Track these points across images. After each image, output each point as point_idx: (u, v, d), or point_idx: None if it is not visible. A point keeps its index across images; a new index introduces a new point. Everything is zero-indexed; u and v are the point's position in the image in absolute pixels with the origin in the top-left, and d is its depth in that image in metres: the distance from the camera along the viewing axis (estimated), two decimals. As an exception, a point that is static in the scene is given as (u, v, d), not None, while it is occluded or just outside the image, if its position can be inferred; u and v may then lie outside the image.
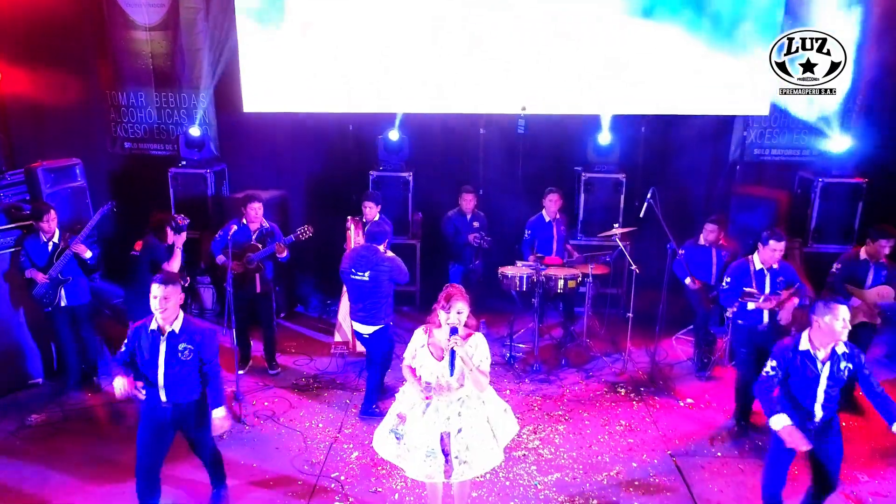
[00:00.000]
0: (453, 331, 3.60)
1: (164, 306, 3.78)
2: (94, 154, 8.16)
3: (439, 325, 3.76)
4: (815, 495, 4.01)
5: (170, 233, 5.77)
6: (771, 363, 3.85)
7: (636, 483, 4.70)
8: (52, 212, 5.50)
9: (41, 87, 7.81)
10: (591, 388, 6.10)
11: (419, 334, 3.84)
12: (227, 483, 4.48)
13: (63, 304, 5.63)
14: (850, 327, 3.67)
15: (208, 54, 8.08)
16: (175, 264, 5.72)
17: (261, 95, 7.95)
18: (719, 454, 5.08)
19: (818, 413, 3.78)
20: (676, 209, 7.18)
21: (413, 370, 3.85)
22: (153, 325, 3.87)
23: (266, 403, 5.79)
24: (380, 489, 4.62)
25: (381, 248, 5.35)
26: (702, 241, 6.50)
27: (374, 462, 4.92)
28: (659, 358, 6.41)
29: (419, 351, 3.80)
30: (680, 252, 6.25)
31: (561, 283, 6.32)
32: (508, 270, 6.45)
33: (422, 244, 7.83)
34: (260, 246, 6.10)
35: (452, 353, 3.60)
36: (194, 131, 7.82)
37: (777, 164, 8.17)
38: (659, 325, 6.12)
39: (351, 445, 5.16)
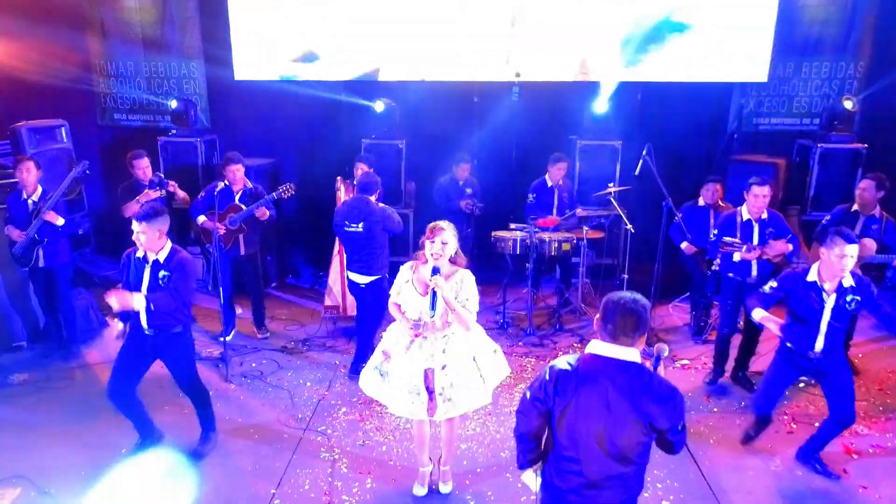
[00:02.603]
0: (435, 270, 3.51)
1: (143, 241, 3.90)
2: (83, 126, 8.06)
3: (425, 261, 3.65)
4: (832, 426, 4.05)
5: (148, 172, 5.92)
6: (772, 283, 4.01)
7: (630, 436, 4.58)
8: (30, 163, 5.34)
9: (29, 58, 7.70)
10: (586, 351, 5.97)
11: (405, 270, 3.73)
12: (215, 427, 4.43)
13: (41, 264, 5.49)
14: (853, 264, 3.73)
15: (199, 23, 7.98)
16: (128, 210, 5.77)
17: (252, 64, 7.84)
18: (715, 409, 4.97)
19: (819, 344, 3.88)
20: (673, 177, 7.06)
21: (399, 307, 3.74)
22: (139, 253, 3.98)
23: (253, 364, 5.68)
24: (367, 442, 4.50)
25: (373, 199, 5.23)
26: (700, 202, 6.40)
27: (362, 417, 4.81)
28: (655, 324, 6.30)
29: (404, 287, 3.69)
30: (677, 216, 6.14)
31: (555, 245, 6.20)
32: (502, 233, 6.33)
33: (415, 214, 7.72)
34: (243, 207, 5.98)
35: (433, 293, 3.50)
36: (173, 104, 7.69)
37: (775, 133, 8.06)
38: (654, 285, 6.00)
39: (339, 402, 5.05)
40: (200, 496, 3.92)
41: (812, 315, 3.87)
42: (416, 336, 3.61)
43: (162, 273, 3.95)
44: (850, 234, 3.75)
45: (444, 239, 3.56)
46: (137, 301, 3.85)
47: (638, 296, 2.52)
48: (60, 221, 5.35)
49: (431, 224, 3.61)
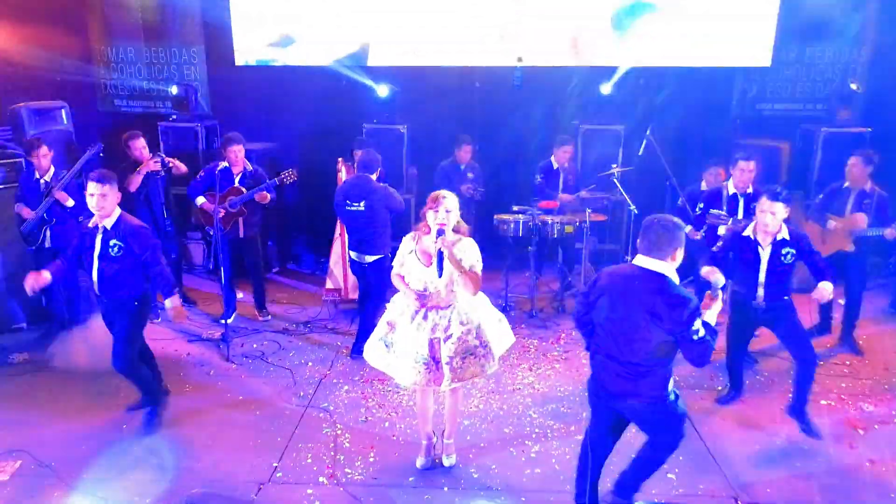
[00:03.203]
0: (440, 232, 3.47)
1: (101, 204, 3.91)
2: (84, 112, 8.01)
3: (428, 231, 3.61)
4: (801, 370, 4.23)
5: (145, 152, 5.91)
6: (718, 244, 4.46)
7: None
8: (44, 147, 5.37)
9: (28, 45, 7.63)
10: (589, 333, 5.93)
11: (407, 241, 3.70)
12: (157, 401, 4.41)
13: (47, 245, 5.46)
14: (770, 221, 4.06)
15: (199, 8, 7.94)
16: (132, 184, 5.77)
17: (253, 49, 7.81)
18: (719, 388, 4.92)
19: (760, 293, 4.24)
20: (675, 162, 7.02)
21: (402, 278, 3.70)
22: (91, 223, 4.03)
23: (255, 345, 5.65)
24: (370, 418, 4.47)
25: (374, 177, 5.19)
26: (703, 186, 6.35)
27: (364, 395, 4.78)
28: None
29: (407, 258, 3.65)
30: (681, 201, 6.11)
31: (557, 227, 6.16)
32: (504, 216, 6.29)
33: (416, 199, 7.66)
34: (243, 189, 5.95)
35: (440, 254, 3.45)
36: (174, 90, 7.66)
37: (778, 118, 8.03)
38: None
39: (341, 381, 5.01)
40: (200, 470, 3.88)
41: (751, 267, 4.23)
42: (423, 307, 3.56)
43: (112, 242, 3.97)
44: (776, 193, 4.08)
45: (448, 207, 3.54)
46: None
47: (674, 218, 3.01)
48: (70, 202, 5.32)
49: (434, 193, 3.59)
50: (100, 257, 3.99)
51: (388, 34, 7.57)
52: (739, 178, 5.15)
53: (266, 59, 7.80)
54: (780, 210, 4.05)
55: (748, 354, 5.23)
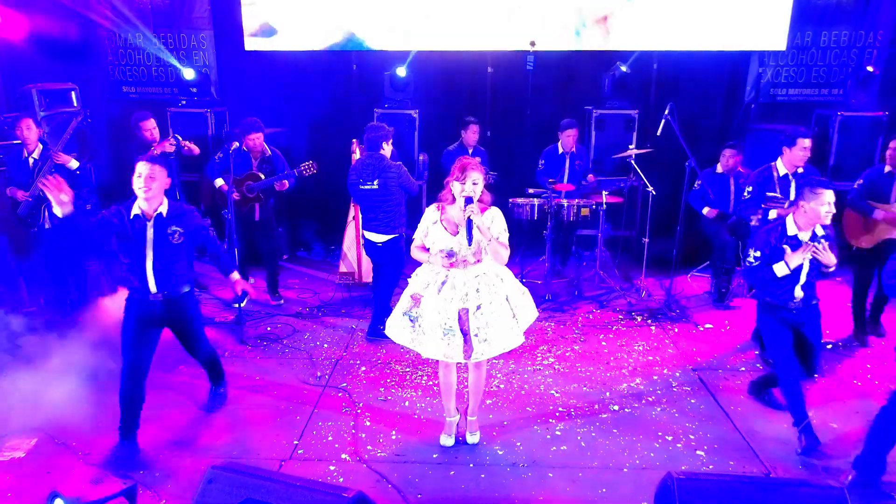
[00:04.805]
0: (468, 200, 3.38)
1: (149, 186, 3.53)
2: (91, 99, 7.92)
3: (452, 201, 3.53)
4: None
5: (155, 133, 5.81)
6: (754, 253, 3.91)
7: (658, 392, 4.48)
8: (28, 120, 5.18)
9: (35, 31, 7.57)
10: (606, 316, 5.87)
11: (431, 211, 3.61)
12: (225, 382, 4.32)
13: (47, 226, 5.30)
14: (834, 210, 3.73)
15: (208, -8, 7.87)
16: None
17: (263, 34, 7.73)
18: (743, 369, 4.85)
19: (798, 294, 3.87)
20: (690, 146, 6.96)
21: (426, 250, 3.62)
22: (135, 211, 3.60)
23: (269, 328, 5.58)
24: (390, 397, 4.40)
25: (387, 146, 5.10)
26: (719, 168, 6.29)
27: (383, 375, 4.71)
28: (674, 292, 6.18)
29: (431, 228, 3.57)
30: (697, 183, 6.04)
31: (574, 210, 6.09)
32: (520, 200, 6.22)
33: (428, 186, 7.59)
34: (262, 176, 5.88)
35: (469, 223, 3.37)
36: (188, 74, 7.58)
37: (794, 103, 7.94)
38: (676, 249, 5.89)
39: (358, 362, 4.94)
40: (220, 447, 3.81)
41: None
42: (452, 266, 3.47)
43: (172, 229, 3.61)
44: (825, 183, 3.76)
45: (475, 179, 3.45)
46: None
47: None
48: (74, 164, 5.17)
49: (461, 162, 3.48)
50: (157, 249, 3.60)
51: (400, 17, 7.49)
52: (800, 157, 4.85)
53: (274, 46, 7.72)
54: (834, 198, 3.71)
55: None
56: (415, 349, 3.62)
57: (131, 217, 3.60)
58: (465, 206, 3.35)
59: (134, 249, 3.61)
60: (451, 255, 3.48)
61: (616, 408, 4.26)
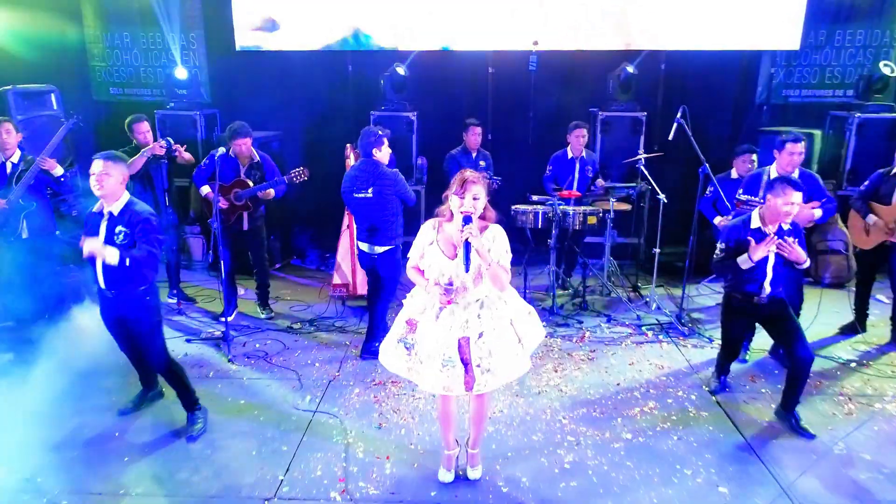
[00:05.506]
0: (466, 219, 3.03)
1: (102, 182, 3.52)
2: (77, 101, 7.58)
3: (450, 218, 3.21)
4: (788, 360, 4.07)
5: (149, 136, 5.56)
6: (720, 245, 4.06)
7: (674, 418, 4.16)
8: (8, 124, 4.90)
9: (18, 29, 7.24)
10: (615, 331, 5.55)
11: (427, 230, 3.27)
12: (200, 405, 4.05)
13: (24, 235, 5.00)
14: (794, 212, 3.83)
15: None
16: (133, 166, 5.32)
17: (254, 33, 7.42)
18: (763, 390, 4.53)
19: (766, 288, 3.99)
20: (700, 149, 6.67)
21: (421, 272, 3.30)
22: (96, 207, 3.67)
23: (257, 345, 5.26)
24: (384, 424, 4.07)
25: (384, 149, 4.76)
26: (734, 174, 5.97)
27: (377, 398, 4.39)
28: (685, 304, 5.86)
29: (427, 249, 3.23)
30: (709, 190, 5.73)
31: (580, 218, 5.78)
32: (523, 206, 5.90)
33: (427, 191, 7.29)
34: (250, 182, 5.57)
35: (467, 245, 3.03)
36: (180, 73, 7.26)
37: (806, 105, 7.64)
38: (689, 259, 5.58)
39: (351, 383, 4.63)
40: (198, 482, 3.49)
41: (758, 261, 3.89)
42: (449, 304, 3.15)
43: (119, 229, 3.58)
44: (794, 182, 3.84)
45: (476, 193, 3.10)
46: (109, 253, 3.51)
47: None
48: (59, 170, 4.90)
49: (461, 176, 3.13)
50: (106, 245, 3.57)
51: (398, 16, 7.19)
52: (788, 162, 4.72)
53: (267, 45, 7.41)
54: (800, 199, 3.86)
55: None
56: (411, 380, 3.30)
57: (94, 212, 3.68)
58: (463, 225, 3.02)
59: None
60: (449, 289, 3.12)
61: (629, 436, 3.94)
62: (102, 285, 3.69)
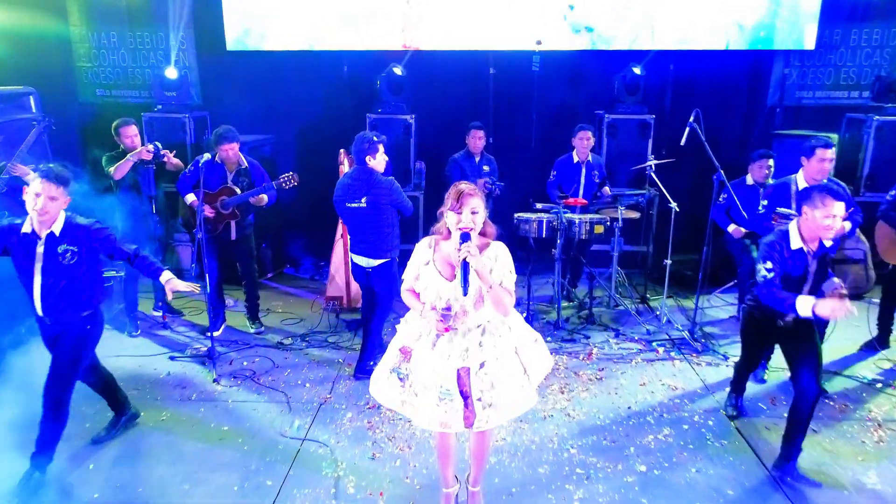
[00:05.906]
0: (464, 237, 2.73)
1: (46, 210, 3.24)
2: (62, 103, 7.33)
3: (448, 236, 2.91)
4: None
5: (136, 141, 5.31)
6: (766, 265, 3.47)
7: (690, 447, 3.86)
8: None
9: (2, 29, 6.94)
10: (624, 347, 5.26)
11: (422, 249, 2.97)
12: (128, 410, 4.00)
13: None
14: (837, 226, 3.38)
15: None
16: (119, 171, 5.16)
17: (246, 33, 7.12)
18: (785, 414, 4.19)
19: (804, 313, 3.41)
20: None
21: (416, 295, 3.00)
22: (26, 228, 3.32)
23: (245, 363, 4.96)
24: (378, 455, 3.77)
25: (378, 157, 4.45)
26: (749, 180, 5.67)
27: (371, 424, 4.09)
28: (698, 316, 5.57)
29: (423, 269, 2.94)
30: (722, 197, 5.43)
31: (586, 227, 5.48)
32: (526, 215, 5.60)
33: (425, 196, 6.99)
34: (237, 190, 5.27)
35: (465, 266, 2.73)
36: (170, 73, 6.96)
37: (820, 107, 7.34)
38: (702, 270, 5.28)
39: (343, 406, 4.32)
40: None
41: (795, 284, 3.51)
42: (447, 331, 2.85)
43: (63, 248, 3.31)
44: (834, 192, 3.37)
45: (475, 207, 2.81)
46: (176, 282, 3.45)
47: None
48: (31, 175, 4.60)
49: (456, 189, 2.83)
50: (45, 271, 3.31)
51: (394, 16, 6.89)
52: (818, 169, 4.37)
53: (259, 45, 7.11)
54: (842, 212, 3.44)
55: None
56: (405, 414, 3.00)
57: (22, 233, 3.33)
58: (461, 243, 2.72)
59: (24, 268, 3.36)
60: (446, 314, 2.81)
61: (643, 468, 3.64)
62: (40, 312, 3.38)
